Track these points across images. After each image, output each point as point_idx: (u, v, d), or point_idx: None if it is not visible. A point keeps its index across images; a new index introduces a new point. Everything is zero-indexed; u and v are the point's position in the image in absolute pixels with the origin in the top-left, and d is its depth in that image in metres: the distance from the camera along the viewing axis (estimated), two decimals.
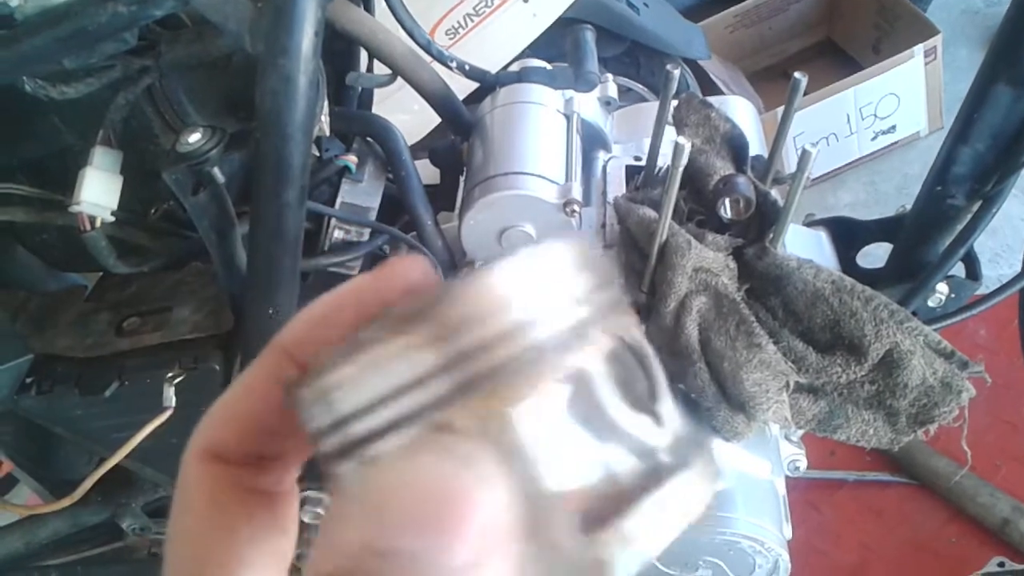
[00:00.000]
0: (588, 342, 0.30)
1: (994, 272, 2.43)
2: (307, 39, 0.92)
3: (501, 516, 0.26)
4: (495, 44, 2.24)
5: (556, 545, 0.28)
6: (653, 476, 0.31)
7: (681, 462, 0.32)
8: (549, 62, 1.39)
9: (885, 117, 2.78)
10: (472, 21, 2.24)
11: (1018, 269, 1.19)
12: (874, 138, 2.82)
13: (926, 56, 2.69)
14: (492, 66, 1.49)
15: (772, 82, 3.01)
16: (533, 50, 2.21)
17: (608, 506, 0.30)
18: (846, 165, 2.85)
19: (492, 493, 0.26)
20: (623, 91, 2.47)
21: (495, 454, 0.27)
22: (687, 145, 1.00)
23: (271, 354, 0.34)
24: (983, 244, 2.50)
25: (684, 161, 1.01)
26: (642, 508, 0.30)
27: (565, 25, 2.06)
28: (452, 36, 2.23)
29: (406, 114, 1.83)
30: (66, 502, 1.20)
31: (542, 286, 0.30)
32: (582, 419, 0.30)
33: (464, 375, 0.28)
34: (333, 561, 0.26)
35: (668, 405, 0.33)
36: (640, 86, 2.46)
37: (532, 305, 0.29)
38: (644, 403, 0.33)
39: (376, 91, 1.37)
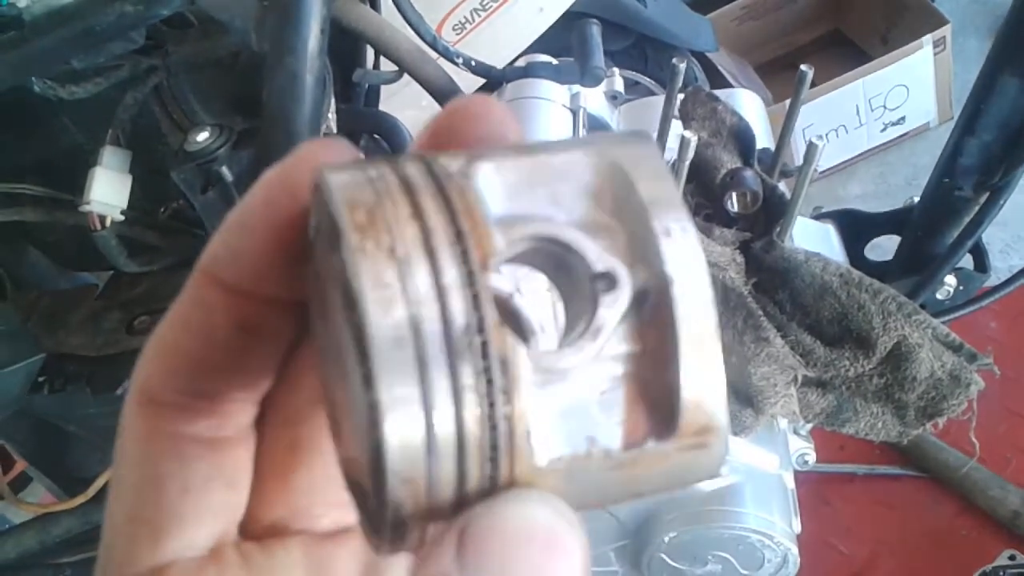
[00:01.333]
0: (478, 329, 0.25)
1: (1005, 263, 2.42)
2: (313, 37, 0.92)
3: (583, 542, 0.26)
4: (502, 39, 2.24)
5: (650, 466, 0.28)
6: (654, 318, 0.28)
7: (662, 273, 0.27)
8: (556, 57, 1.39)
9: (895, 108, 2.77)
10: (479, 16, 2.23)
11: None
12: (884, 129, 2.81)
13: (935, 46, 2.68)
14: (500, 61, 1.50)
15: (780, 74, 3.00)
16: (541, 44, 2.21)
17: (654, 403, 0.28)
18: (856, 157, 2.84)
19: (576, 530, 0.26)
20: (631, 84, 2.47)
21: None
22: (693, 139, 1.00)
23: (194, 280, 0.30)
24: (994, 235, 2.48)
25: (690, 155, 1.01)
26: (681, 358, 0.27)
27: (573, 19, 2.06)
28: (459, 31, 2.23)
29: (415, 109, 1.83)
30: (79, 500, 1.21)
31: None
32: (550, 378, 0.27)
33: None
34: None
35: (594, 250, 0.28)
36: (648, 79, 2.45)
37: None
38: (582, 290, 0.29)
39: (385, 86, 1.37)
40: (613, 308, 0.28)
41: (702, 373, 0.27)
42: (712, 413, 0.27)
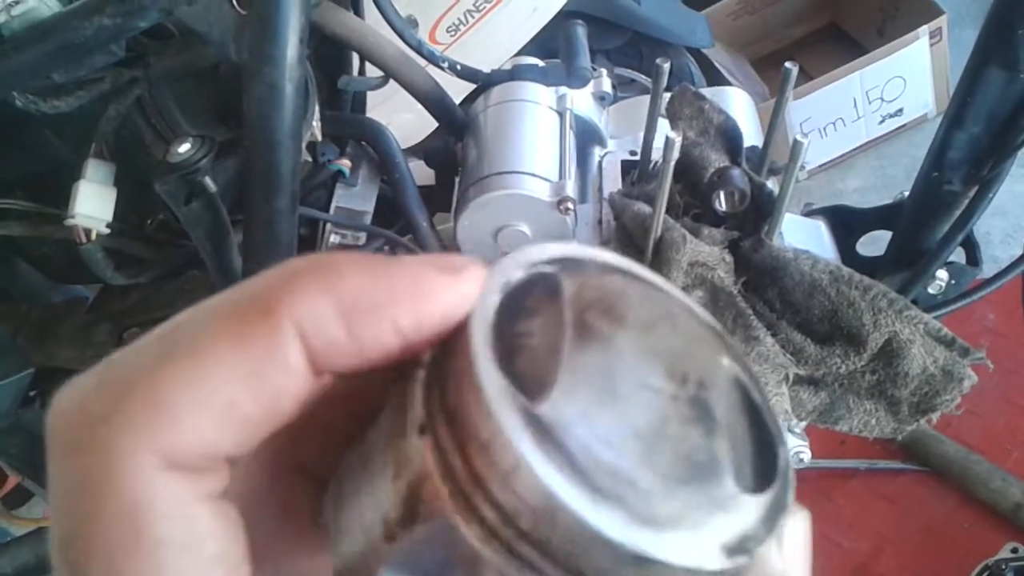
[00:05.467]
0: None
1: (1005, 253, 2.41)
2: (291, 46, 0.92)
3: None
4: (497, 40, 2.24)
5: None
6: None
7: None
8: (549, 58, 1.38)
9: (892, 100, 2.76)
10: (473, 18, 2.23)
11: None
12: (881, 122, 2.80)
13: (931, 37, 2.67)
14: (494, 62, 1.49)
15: (777, 68, 2.95)
16: (536, 45, 2.20)
17: None
18: (854, 149, 2.83)
19: None
20: (626, 82, 2.47)
21: None
22: (678, 139, 1.00)
23: (275, 329, 0.24)
24: (994, 225, 2.48)
25: (676, 155, 1.00)
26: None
27: (567, 18, 2.06)
28: (453, 33, 2.23)
29: (409, 113, 1.83)
30: None
31: None
32: None
33: None
34: None
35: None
36: (643, 77, 2.45)
37: None
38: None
39: (378, 91, 1.37)
40: None
41: None
42: None
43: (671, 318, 0.31)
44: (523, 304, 0.28)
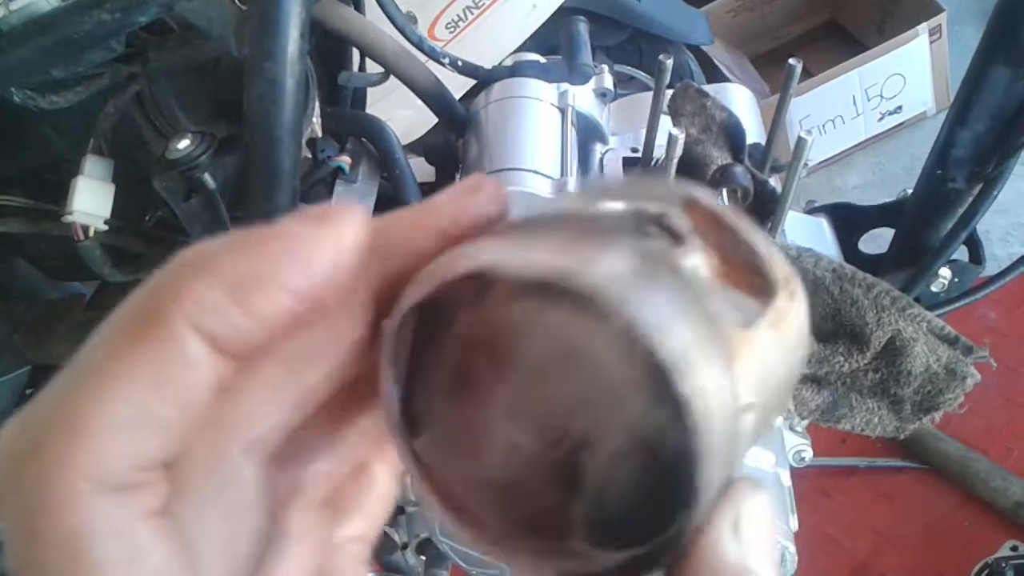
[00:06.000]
0: None
1: (1005, 251, 2.41)
2: (292, 42, 0.91)
3: None
4: (496, 36, 2.23)
5: None
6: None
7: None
8: (551, 53, 1.37)
9: (891, 98, 2.75)
10: (472, 14, 2.22)
11: None
12: (881, 119, 2.80)
13: (931, 35, 2.66)
14: (494, 58, 1.48)
15: (776, 66, 2.98)
16: (536, 41, 2.20)
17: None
18: (853, 147, 2.83)
19: None
20: (625, 79, 2.46)
21: None
22: (681, 136, 0.99)
23: (168, 329, 0.25)
24: (993, 223, 2.48)
25: (678, 152, 1.00)
26: None
27: (567, 15, 2.05)
28: (452, 30, 2.22)
29: (410, 109, 1.83)
30: None
31: None
32: None
33: None
34: None
35: None
36: (643, 74, 2.44)
37: None
38: None
39: (378, 87, 1.36)
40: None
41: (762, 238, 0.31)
42: (784, 261, 0.31)
43: (585, 355, 0.28)
44: (430, 323, 0.31)
